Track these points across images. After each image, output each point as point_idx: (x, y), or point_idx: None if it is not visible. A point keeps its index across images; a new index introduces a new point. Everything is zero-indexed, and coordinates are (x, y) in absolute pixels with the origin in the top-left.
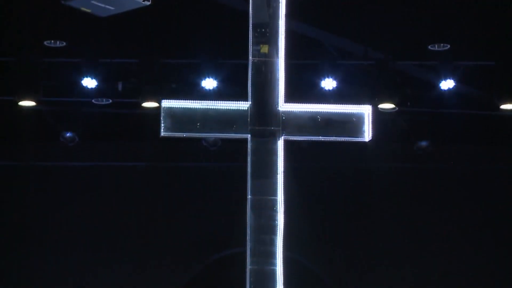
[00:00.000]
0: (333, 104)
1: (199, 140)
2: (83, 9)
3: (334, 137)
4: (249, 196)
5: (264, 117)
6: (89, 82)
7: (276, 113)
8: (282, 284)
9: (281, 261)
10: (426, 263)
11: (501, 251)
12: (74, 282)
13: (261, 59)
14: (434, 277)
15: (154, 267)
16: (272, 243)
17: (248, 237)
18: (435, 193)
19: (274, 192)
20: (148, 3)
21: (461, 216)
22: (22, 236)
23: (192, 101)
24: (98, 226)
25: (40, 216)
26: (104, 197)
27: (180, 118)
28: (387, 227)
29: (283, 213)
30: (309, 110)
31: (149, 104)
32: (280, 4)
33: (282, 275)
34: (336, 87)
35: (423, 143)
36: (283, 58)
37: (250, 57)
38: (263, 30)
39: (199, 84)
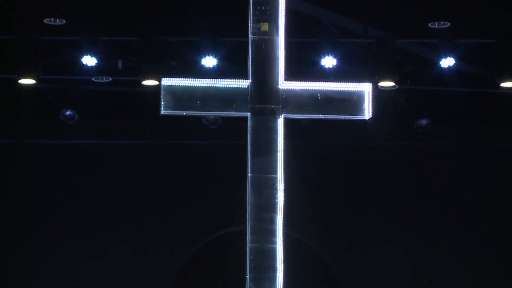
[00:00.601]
0: (333, 82)
1: (199, 118)
2: None
3: (334, 115)
4: (249, 174)
5: (264, 95)
6: (89, 60)
7: (276, 91)
8: (282, 262)
9: (281, 239)
10: (426, 241)
11: (502, 229)
12: (74, 261)
13: (261, 37)
14: (434, 255)
15: (155, 244)
16: (272, 221)
17: (248, 215)
18: (435, 171)
19: (274, 170)
20: None
21: (461, 194)
22: (22, 214)
23: (192, 79)
24: (97, 204)
25: (39, 194)
26: (104, 175)
27: (180, 96)
28: (387, 204)
29: (283, 191)
30: (309, 88)
31: (149, 82)
32: None
33: (282, 253)
34: (336, 65)
35: (423, 121)
36: (283, 36)
37: (250, 35)
38: (263, 8)
39: (199, 62)
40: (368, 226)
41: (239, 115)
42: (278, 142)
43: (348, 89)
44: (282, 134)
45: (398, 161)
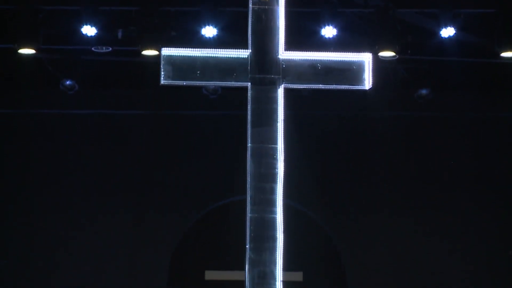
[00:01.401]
0: (333, 52)
1: (199, 88)
2: None
3: (334, 85)
4: (249, 144)
5: (264, 65)
6: (89, 30)
7: (276, 61)
8: (282, 232)
9: (281, 209)
10: (426, 211)
11: (502, 197)
12: (74, 229)
13: (261, 6)
14: (434, 223)
15: (155, 214)
16: (272, 191)
17: (248, 185)
18: (436, 140)
19: (274, 140)
20: None
21: (461, 163)
22: (22, 183)
23: (192, 49)
24: (97, 174)
25: (39, 163)
26: (104, 145)
27: (180, 66)
28: (386, 174)
29: (283, 161)
30: (309, 58)
31: (149, 52)
32: None
33: (282, 223)
34: (336, 35)
35: (424, 91)
36: (283, 6)
37: (251, 5)
38: None
39: (199, 32)
40: (367, 196)
41: (239, 85)
42: (278, 112)
43: (348, 59)
44: (282, 104)
45: (398, 131)
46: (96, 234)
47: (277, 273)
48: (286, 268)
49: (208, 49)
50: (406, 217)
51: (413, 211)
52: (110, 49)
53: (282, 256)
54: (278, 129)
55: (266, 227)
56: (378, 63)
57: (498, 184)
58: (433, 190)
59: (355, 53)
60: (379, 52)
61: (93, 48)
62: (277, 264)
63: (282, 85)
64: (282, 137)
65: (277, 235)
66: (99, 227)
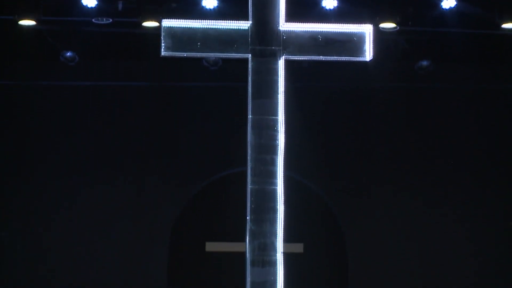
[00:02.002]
0: (334, 23)
1: (199, 59)
2: None
3: (334, 57)
4: (249, 116)
5: (264, 37)
6: (89, 1)
7: (276, 33)
8: (282, 203)
9: (282, 181)
10: (426, 181)
11: (503, 168)
12: (74, 199)
13: None
14: (435, 196)
15: (156, 185)
16: (273, 162)
17: (248, 157)
18: (436, 112)
19: (274, 112)
20: None
21: (462, 135)
22: (23, 155)
23: (193, 20)
24: (97, 145)
25: (40, 134)
26: (104, 116)
27: (181, 38)
28: (387, 146)
29: (283, 133)
30: (309, 29)
31: (150, 24)
32: None
33: (282, 194)
34: (337, 6)
35: (424, 63)
36: None
37: None
38: None
39: (199, 3)
40: (368, 167)
41: (240, 56)
42: (279, 84)
43: (349, 30)
44: (283, 76)
45: (398, 103)
46: (96, 205)
47: (277, 245)
48: (286, 240)
49: (208, 21)
50: (406, 188)
51: (413, 182)
52: (111, 20)
53: (282, 227)
54: (279, 101)
55: (267, 199)
56: (379, 35)
57: (499, 156)
58: (434, 161)
59: (355, 25)
60: (379, 24)
61: (93, 20)
62: (277, 235)
63: (283, 57)
64: (283, 108)
65: (278, 207)
66: (99, 199)
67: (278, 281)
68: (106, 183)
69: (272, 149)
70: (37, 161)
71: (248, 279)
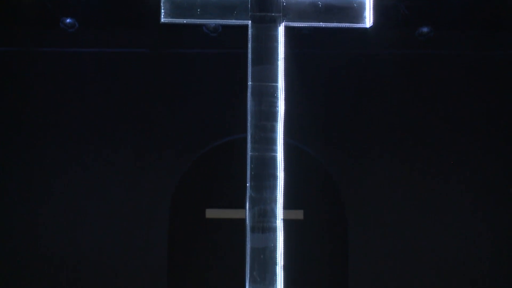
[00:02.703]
0: None
1: (199, 26)
2: None
3: (335, 23)
4: (249, 83)
5: (264, 3)
6: None
7: None
8: (282, 170)
9: (282, 147)
10: (427, 148)
11: (503, 135)
12: (74, 168)
13: None
14: (434, 162)
15: (156, 153)
16: (273, 129)
17: (248, 124)
18: (437, 79)
19: (274, 79)
20: None
21: (463, 103)
22: (22, 121)
23: None
24: (97, 112)
25: (39, 101)
26: (103, 83)
27: (180, 4)
28: (387, 112)
29: (283, 100)
30: None
31: None
32: None
33: (282, 161)
34: None
35: (425, 29)
36: None
37: None
38: None
39: None
40: (368, 134)
41: (240, 23)
42: (279, 51)
43: None
44: (283, 42)
45: (398, 69)
46: (95, 173)
47: (277, 211)
48: (286, 206)
49: None
50: (407, 155)
51: (414, 149)
52: None
53: (282, 194)
54: (279, 67)
55: (267, 165)
56: (379, 1)
57: (500, 123)
58: (434, 128)
59: None
60: None
61: None
62: (277, 202)
63: (283, 23)
64: (283, 75)
65: (278, 173)
66: (97, 166)
67: (278, 247)
68: (105, 150)
69: (272, 115)
70: (36, 127)
71: (248, 246)
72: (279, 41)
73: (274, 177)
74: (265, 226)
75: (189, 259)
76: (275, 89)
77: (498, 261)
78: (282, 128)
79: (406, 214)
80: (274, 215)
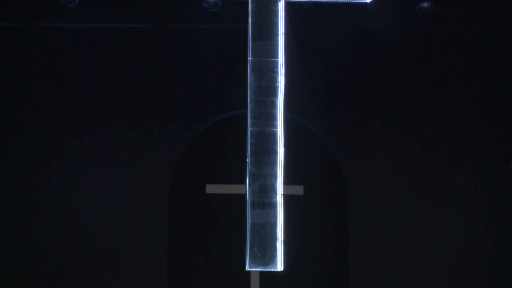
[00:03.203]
0: None
1: (199, 1)
2: None
3: None
4: (249, 58)
5: None
6: None
7: None
8: (282, 145)
9: (282, 123)
10: (428, 126)
11: (506, 108)
12: (73, 144)
13: None
14: (434, 139)
15: (156, 128)
16: (273, 104)
17: (248, 99)
18: (438, 55)
19: (275, 54)
20: None
21: (464, 78)
22: (21, 95)
23: None
24: (97, 87)
25: (39, 77)
26: (103, 58)
27: None
28: (388, 88)
29: (283, 75)
30: None
31: None
32: None
33: (282, 136)
34: None
35: (425, 4)
36: None
37: None
38: None
39: None
40: (369, 110)
41: None
42: (279, 26)
43: None
44: (283, 18)
45: (398, 45)
46: (94, 149)
47: (277, 187)
48: (286, 182)
49: None
50: (407, 131)
51: (415, 125)
52: None
53: (282, 169)
54: (279, 43)
55: (267, 141)
56: None
57: (501, 98)
58: (435, 104)
59: None
60: None
61: None
62: (277, 177)
63: None
64: (283, 50)
65: (278, 149)
66: (96, 143)
67: (278, 222)
68: (104, 126)
69: (272, 91)
70: (36, 103)
71: (248, 221)
72: (279, 16)
73: (274, 152)
74: (265, 201)
75: (189, 234)
76: (275, 64)
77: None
78: (282, 103)
79: (407, 189)
80: (274, 191)
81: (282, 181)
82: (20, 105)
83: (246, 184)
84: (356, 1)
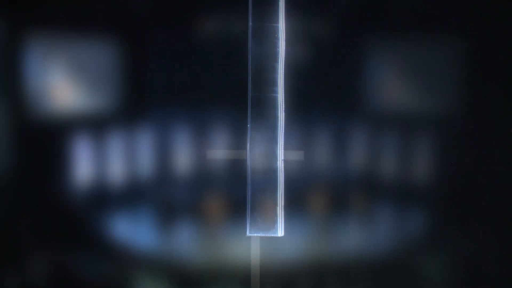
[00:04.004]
0: None
1: None
2: None
3: None
4: (249, 23)
5: None
6: None
7: None
8: (283, 111)
9: (282, 88)
10: (428, 79)
11: (506, 69)
12: (70, 102)
13: None
14: (436, 106)
15: (153, 99)
16: (274, 70)
17: (249, 64)
18: (437, 12)
19: (275, 19)
20: None
21: (464, 33)
22: (21, 52)
23: None
24: (98, 59)
25: (39, 41)
26: (105, 28)
27: None
28: (388, 54)
29: (284, 40)
30: None
31: None
32: None
33: (283, 102)
34: None
35: None
36: None
37: None
38: None
39: None
40: (371, 72)
41: None
42: None
43: None
44: None
45: (403, 6)
46: (94, 112)
47: (278, 152)
48: (287, 147)
49: None
50: (409, 91)
51: (414, 76)
52: None
53: (283, 135)
54: (279, 7)
55: (267, 106)
56: None
57: (501, 57)
58: (436, 58)
59: None
60: None
61: None
62: (278, 143)
63: None
64: (284, 15)
65: (278, 114)
66: (100, 109)
67: (278, 188)
68: (104, 96)
69: (273, 56)
70: (35, 60)
71: (249, 187)
72: None
73: (275, 118)
74: (265, 167)
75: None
76: (276, 30)
77: None
78: (283, 69)
79: (407, 154)
80: (274, 156)
81: (282, 146)
82: (18, 61)
83: (246, 149)
84: None
